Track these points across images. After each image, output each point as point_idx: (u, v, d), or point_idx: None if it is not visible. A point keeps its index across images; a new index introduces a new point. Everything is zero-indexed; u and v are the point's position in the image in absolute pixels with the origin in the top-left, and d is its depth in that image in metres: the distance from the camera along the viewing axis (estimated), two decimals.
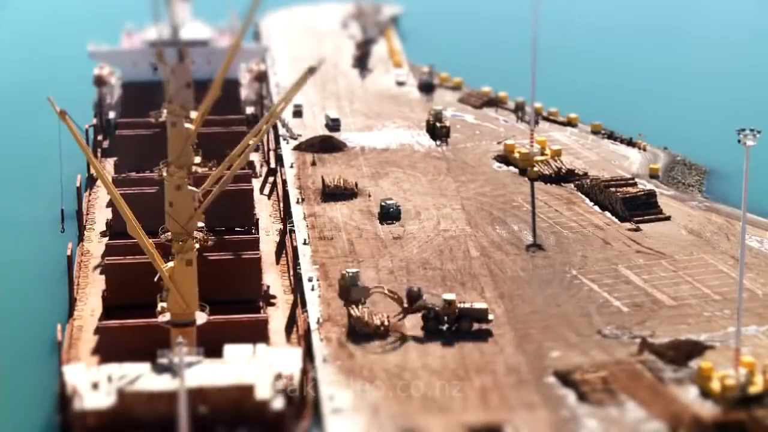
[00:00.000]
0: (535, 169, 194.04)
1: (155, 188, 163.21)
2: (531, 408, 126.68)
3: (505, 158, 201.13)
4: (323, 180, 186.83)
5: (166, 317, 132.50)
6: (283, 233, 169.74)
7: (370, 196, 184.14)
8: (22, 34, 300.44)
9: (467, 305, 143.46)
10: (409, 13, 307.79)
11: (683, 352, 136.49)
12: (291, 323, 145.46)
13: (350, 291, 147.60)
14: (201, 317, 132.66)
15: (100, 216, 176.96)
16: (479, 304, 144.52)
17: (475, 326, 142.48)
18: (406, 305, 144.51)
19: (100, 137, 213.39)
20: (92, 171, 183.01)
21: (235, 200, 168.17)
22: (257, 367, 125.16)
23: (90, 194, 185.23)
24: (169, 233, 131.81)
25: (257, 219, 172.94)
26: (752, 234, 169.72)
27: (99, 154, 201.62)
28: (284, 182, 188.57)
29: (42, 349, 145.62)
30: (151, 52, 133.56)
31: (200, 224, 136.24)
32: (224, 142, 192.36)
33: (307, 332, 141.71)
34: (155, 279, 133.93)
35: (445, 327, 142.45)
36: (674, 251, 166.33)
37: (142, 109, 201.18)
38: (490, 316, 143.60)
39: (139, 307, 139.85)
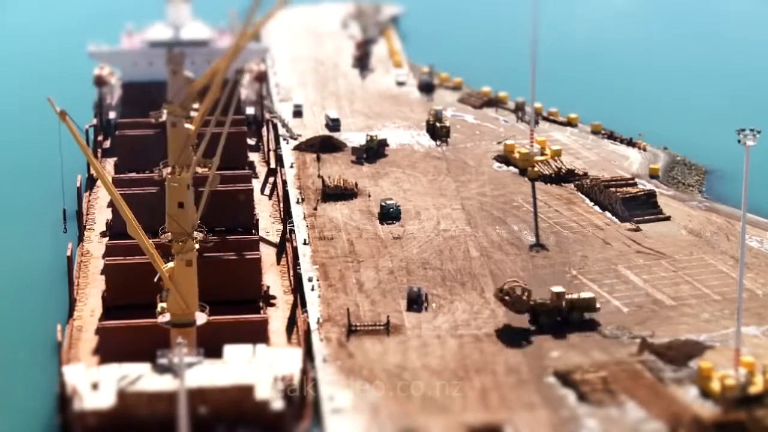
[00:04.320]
0: (535, 169, 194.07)
1: (155, 188, 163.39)
2: (531, 408, 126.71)
3: (505, 158, 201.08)
4: (323, 180, 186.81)
5: (166, 317, 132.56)
6: (283, 234, 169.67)
7: (370, 196, 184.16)
8: (22, 34, 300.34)
9: (575, 296, 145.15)
10: (409, 13, 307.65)
11: (683, 353, 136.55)
12: (291, 323, 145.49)
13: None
14: (201, 317, 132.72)
15: (100, 216, 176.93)
16: (586, 294, 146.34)
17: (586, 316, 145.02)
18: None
19: (100, 137, 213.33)
20: (92, 171, 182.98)
21: (235, 202, 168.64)
22: (257, 368, 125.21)
23: (90, 194, 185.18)
24: (169, 234, 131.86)
25: (257, 219, 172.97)
26: (752, 234, 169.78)
27: (99, 155, 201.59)
28: (284, 182, 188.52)
29: (42, 349, 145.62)
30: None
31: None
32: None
33: (307, 332, 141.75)
34: (155, 279, 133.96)
35: (557, 320, 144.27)
36: (674, 251, 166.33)
37: (142, 109, 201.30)
38: (598, 305, 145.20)
39: (139, 308, 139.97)
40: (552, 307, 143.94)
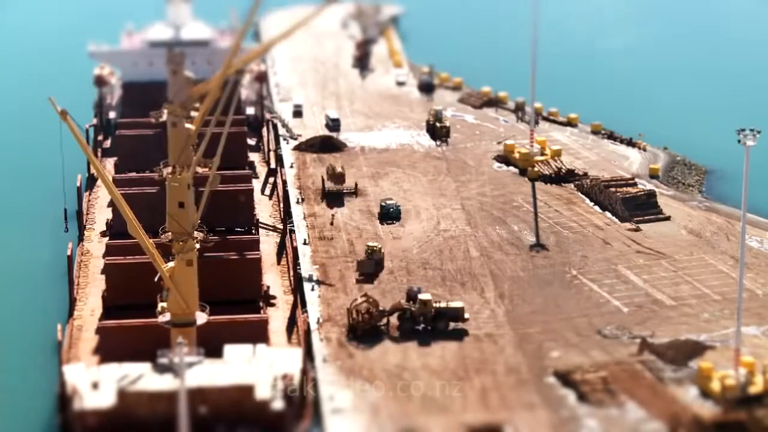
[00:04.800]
0: (535, 169, 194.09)
1: (155, 188, 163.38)
2: (531, 408, 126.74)
3: (505, 158, 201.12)
4: (323, 180, 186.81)
5: (166, 317, 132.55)
6: (283, 234, 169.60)
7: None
8: (22, 34, 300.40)
9: (443, 304, 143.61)
10: (409, 13, 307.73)
11: (683, 352, 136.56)
12: (291, 323, 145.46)
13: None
14: (201, 317, 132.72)
15: (100, 216, 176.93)
16: (455, 303, 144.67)
17: (452, 325, 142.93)
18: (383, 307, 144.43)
19: (100, 137, 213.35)
20: (93, 171, 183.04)
21: (235, 202, 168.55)
22: (257, 368, 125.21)
23: (90, 194, 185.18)
24: (170, 233, 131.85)
25: (257, 219, 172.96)
26: (752, 234, 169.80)
27: (99, 154, 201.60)
28: (284, 182, 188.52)
29: (42, 349, 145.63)
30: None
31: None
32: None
33: (307, 332, 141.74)
34: (155, 279, 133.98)
35: (421, 327, 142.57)
36: (674, 251, 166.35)
37: (142, 109, 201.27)
38: (466, 315, 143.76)
39: (139, 307, 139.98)
40: (418, 314, 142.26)
